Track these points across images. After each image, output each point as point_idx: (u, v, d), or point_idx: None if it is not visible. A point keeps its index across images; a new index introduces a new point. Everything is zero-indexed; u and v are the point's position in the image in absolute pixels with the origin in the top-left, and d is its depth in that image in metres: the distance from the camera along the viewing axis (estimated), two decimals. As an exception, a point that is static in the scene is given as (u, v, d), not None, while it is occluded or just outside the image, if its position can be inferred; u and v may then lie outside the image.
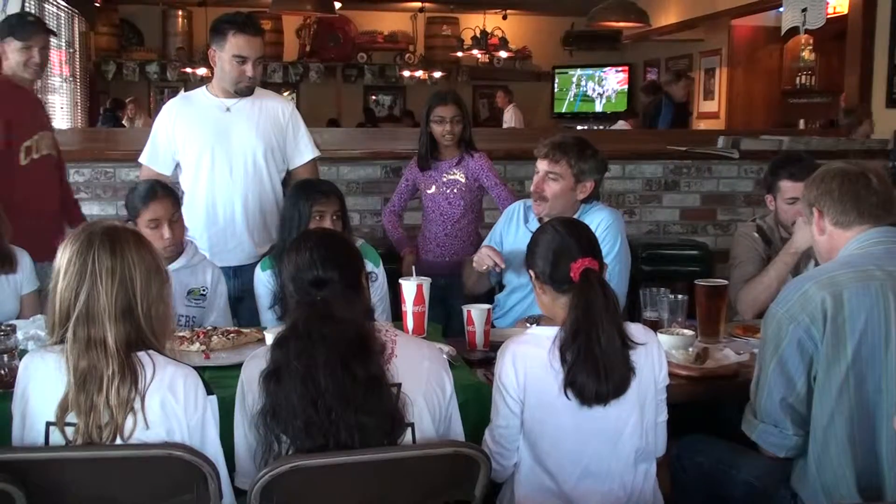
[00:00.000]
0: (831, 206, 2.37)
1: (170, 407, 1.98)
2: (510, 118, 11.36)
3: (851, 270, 2.25)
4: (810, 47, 10.17)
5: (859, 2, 7.03)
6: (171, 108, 3.80)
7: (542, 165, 3.27)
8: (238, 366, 2.18)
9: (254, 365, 2.06)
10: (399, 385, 2.03)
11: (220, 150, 3.65)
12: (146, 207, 3.08)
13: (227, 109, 3.67)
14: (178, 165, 3.77)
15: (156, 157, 3.76)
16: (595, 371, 2.15)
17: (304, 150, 3.81)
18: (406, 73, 13.82)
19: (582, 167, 3.24)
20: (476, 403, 2.39)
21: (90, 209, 4.90)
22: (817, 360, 2.22)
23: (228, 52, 3.58)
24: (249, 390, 2.05)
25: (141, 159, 3.81)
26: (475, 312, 2.86)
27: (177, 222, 3.15)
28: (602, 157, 3.33)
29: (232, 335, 2.87)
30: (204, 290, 3.27)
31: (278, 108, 3.76)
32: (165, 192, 3.15)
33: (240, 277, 3.60)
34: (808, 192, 2.44)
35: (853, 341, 2.18)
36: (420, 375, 2.11)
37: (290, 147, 3.78)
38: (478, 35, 13.50)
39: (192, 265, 3.25)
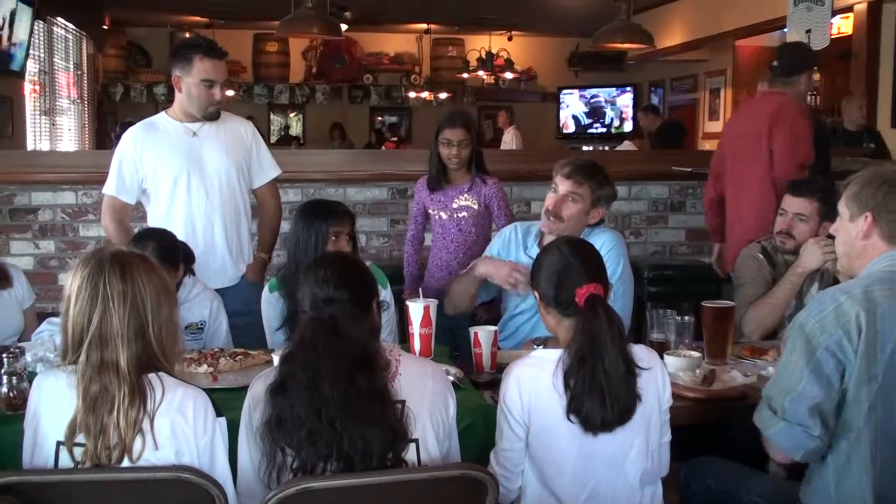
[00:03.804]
0: (889, 219, 2.24)
1: (180, 428, 1.99)
2: (510, 139, 11.35)
3: (887, 288, 2.16)
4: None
5: (863, 22, 7.05)
6: (135, 136, 3.71)
7: (564, 186, 3.22)
8: (246, 388, 2.18)
9: (261, 383, 2.08)
10: (403, 402, 2.05)
11: (196, 175, 3.67)
12: None
13: (194, 134, 3.69)
14: (143, 193, 3.72)
15: (123, 188, 3.69)
16: (600, 399, 2.14)
17: (267, 169, 3.90)
18: (412, 95, 13.91)
19: (600, 194, 3.24)
20: (483, 426, 2.39)
21: (98, 231, 4.93)
22: (849, 373, 2.14)
23: (196, 77, 3.61)
24: (256, 407, 2.06)
25: (106, 191, 3.71)
26: (482, 334, 2.86)
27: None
28: (614, 188, 3.32)
29: (239, 357, 2.88)
30: (201, 325, 3.28)
31: (241, 129, 3.84)
32: (164, 263, 3.05)
33: (223, 299, 3.53)
34: (863, 192, 2.29)
35: (883, 361, 2.11)
36: (424, 393, 2.13)
37: (254, 167, 3.85)
38: (483, 56, 13.57)
39: (188, 300, 3.24)
